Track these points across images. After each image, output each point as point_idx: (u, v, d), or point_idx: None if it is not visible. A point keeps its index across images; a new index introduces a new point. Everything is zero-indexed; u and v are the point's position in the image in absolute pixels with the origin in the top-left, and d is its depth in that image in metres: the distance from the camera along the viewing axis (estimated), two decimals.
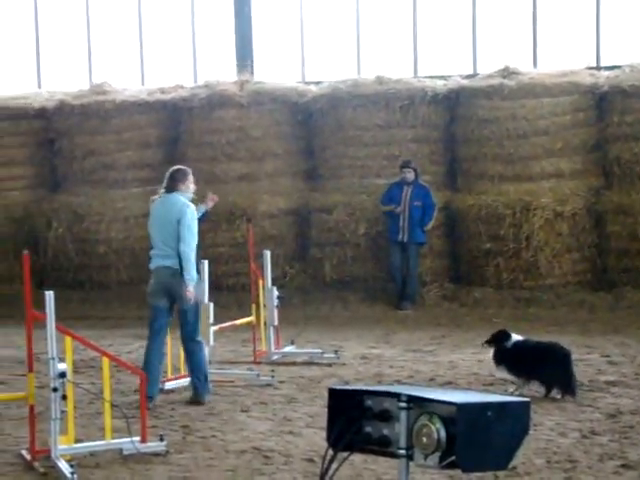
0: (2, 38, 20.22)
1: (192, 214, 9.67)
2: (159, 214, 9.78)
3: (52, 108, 18.14)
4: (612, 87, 15.94)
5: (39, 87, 19.78)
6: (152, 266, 9.83)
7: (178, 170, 9.96)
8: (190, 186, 9.89)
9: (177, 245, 9.53)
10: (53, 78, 19.86)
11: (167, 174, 9.94)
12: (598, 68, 17.17)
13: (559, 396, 9.48)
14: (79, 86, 18.83)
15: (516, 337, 9.86)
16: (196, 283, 9.64)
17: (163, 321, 9.75)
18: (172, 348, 10.32)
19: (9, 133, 18.23)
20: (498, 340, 9.85)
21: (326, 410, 4.43)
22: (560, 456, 7.56)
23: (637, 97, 15.73)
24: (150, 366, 9.52)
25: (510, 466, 4.22)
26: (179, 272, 9.53)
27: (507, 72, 16.51)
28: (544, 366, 9.57)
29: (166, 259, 9.63)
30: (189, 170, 10.00)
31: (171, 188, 9.78)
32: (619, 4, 17.85)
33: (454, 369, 11.13)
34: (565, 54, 17.79)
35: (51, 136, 18.25)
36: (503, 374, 9.88)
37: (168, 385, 10.18)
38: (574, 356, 11.20)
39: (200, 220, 10.14)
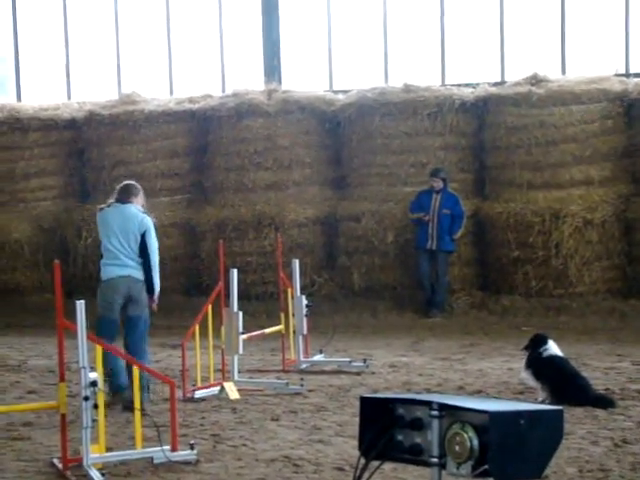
0: (33, 49, 20.35)
1: (153, 225, 9.89)
2: (118, 224, 9.79)
3: (82, 118, 18.25)
4: None
5: (69, 98, 19.88)
6: (106, 276, 9.80)
7: (132, 185, 10.08)
8: (141, 201, 10.03)
9: (138, 256, 9.72)
10: (83, 89, 19.96)
11: (119, 187, 10.03)
12: (627, 75, 17.09)
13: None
14: (108, 96, 18.94)
15: (554, 350, 9.71)
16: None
17: (114, 334, 9.82)
18: (201, 356, 10.34)
19: (39, 144, 18.33)
20: (533, 345, 9.79)
21: (356, 419, 4.42)
22: (592, 465, 7.51)
23: None
24: (112, 359, 9.22)
25: (543, 475, 4.20)
26: (139, 281, 9.73)
27: (535, 79, 16.47)
28: (567, 395, 9.37)
29: (124, 268, 9.74)
30: (140, 187, 10.11)
31: (125, 200, 9.87)
32: None
33: (483, 377, 11.09)
34: (594, 61, 17.73)
35: (81, 146, 18.36)
36: (528, 379, 9.75)
37: (198, 394, 10.19)
38: (605, 364, 11.16)
39: None
